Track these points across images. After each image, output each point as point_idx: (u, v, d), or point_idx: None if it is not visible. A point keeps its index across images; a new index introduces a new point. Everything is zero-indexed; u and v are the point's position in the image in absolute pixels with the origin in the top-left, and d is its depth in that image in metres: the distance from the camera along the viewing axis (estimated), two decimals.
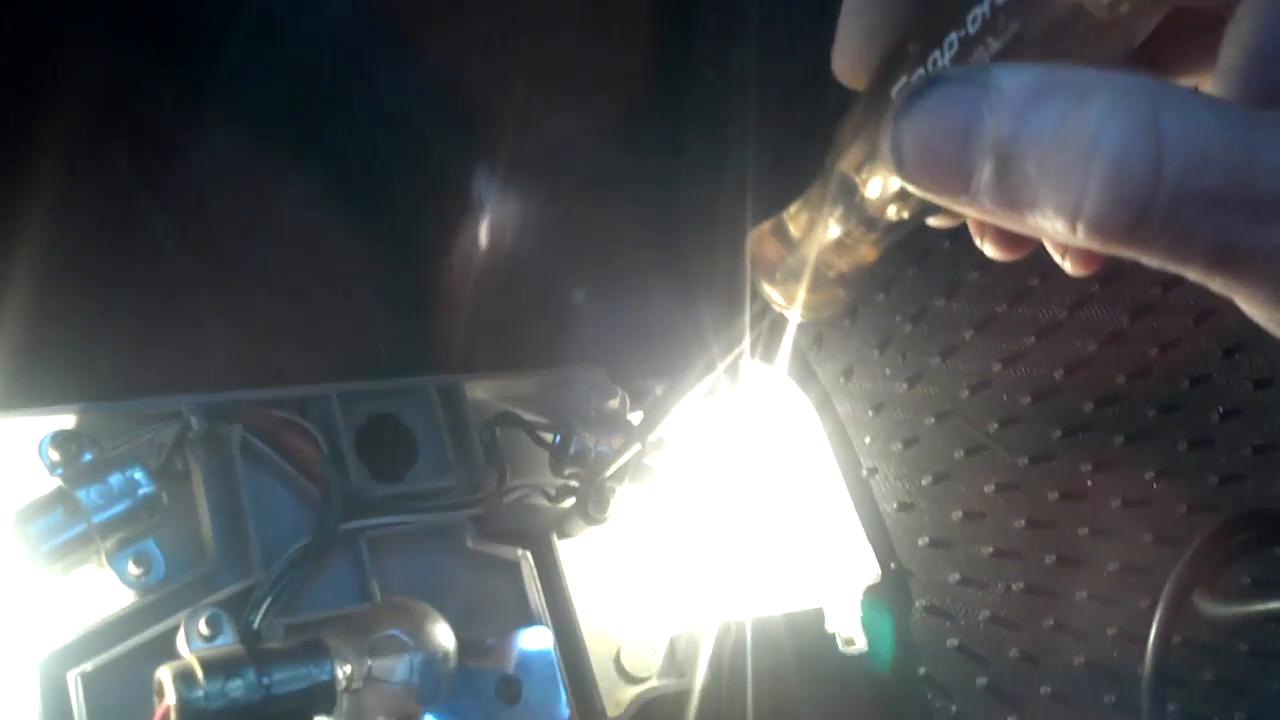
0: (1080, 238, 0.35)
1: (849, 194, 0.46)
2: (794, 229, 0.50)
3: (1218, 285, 0.35)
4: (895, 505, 0.90)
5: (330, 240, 0.85)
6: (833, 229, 0.48)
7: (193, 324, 0.80)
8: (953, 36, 0.39)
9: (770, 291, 0.52)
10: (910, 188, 0.38)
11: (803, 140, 0.92)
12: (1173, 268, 0.35)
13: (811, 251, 0.50)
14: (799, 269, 0.51)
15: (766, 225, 0.52)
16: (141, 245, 0.79)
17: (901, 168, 0.38)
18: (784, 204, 0.52)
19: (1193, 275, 0.35)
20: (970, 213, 0.38)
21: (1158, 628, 0.82)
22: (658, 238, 0.96)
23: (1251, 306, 0.36)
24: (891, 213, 0.45)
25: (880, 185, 0.44)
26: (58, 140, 0.75)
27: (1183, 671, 0.86)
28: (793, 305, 0.52)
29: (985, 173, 0.35)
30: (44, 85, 0.77)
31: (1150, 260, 0.35)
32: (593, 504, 0.78)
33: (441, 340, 0.86)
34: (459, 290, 0.88)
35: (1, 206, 0.73)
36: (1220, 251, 0.34)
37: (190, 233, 0.80)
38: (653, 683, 0.78)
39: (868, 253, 0.49)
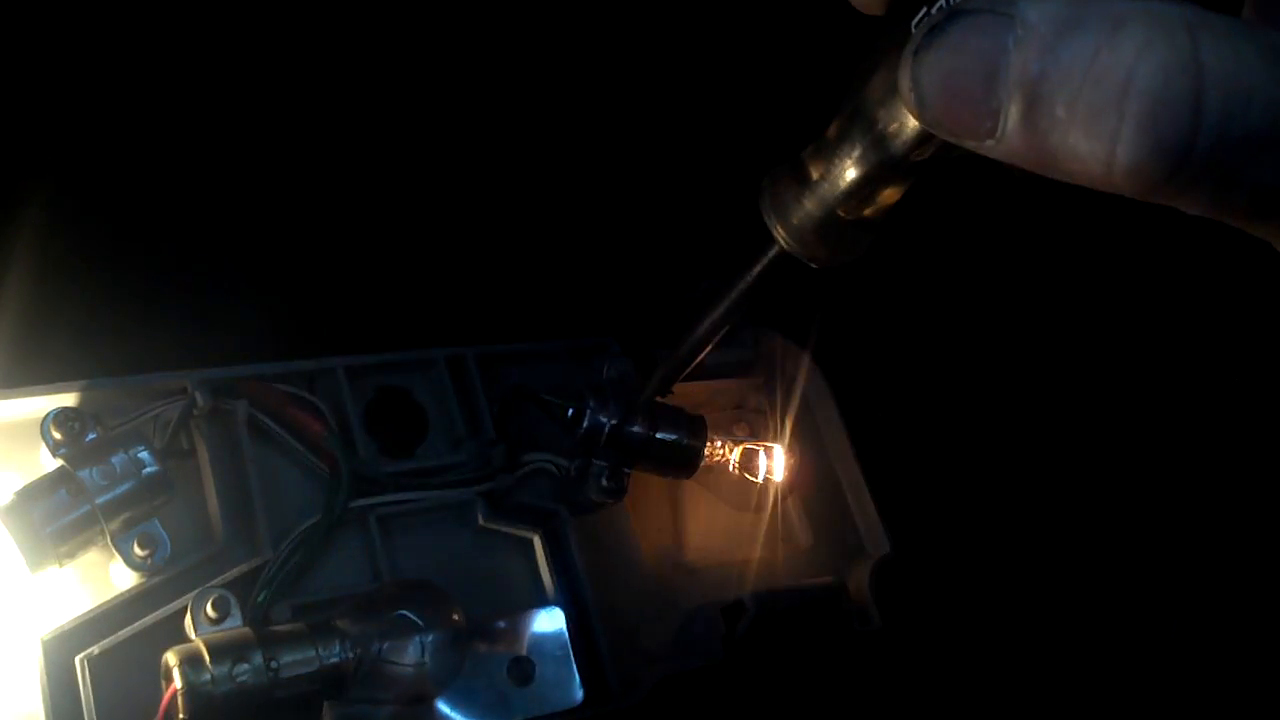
0: (1115, 185, 0.32)
1: (868, 133, 0.43)
2: (812, 170, 0.47)
3: (1259, 231, 0.33)
4: (909, 481, 0.89)
5: (336, 211, 0.83)
6: (852, 171, 0.45)
7: (197, 298, 0.78)
8: None
9: (787, 237, 0.49)
10: (932, 129, 0.36)
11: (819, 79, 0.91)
12: (1213, 215, 0.33)
13: (830, 194, 0.47)
14: (817, 213, 0.48)
15: (782, 166, 0.49)
16: (145, 221, 0.78)
17: (922, 109, 0.35)
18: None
19: (1233, 221, 0.33)
20: (997, 156, 0.35)
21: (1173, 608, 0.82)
22: (669, 203, 0.94)
23: None
24: (916, 151, 0.42)
25: (901, 123, 0.42)
26: (60, 117, 0.73)
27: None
28: (810, 251, 0.49)
29: (1012, 114, 0.33)
30: (48, 58, 0.76)
31: (1189, 208, 0.33)
32: (606, 479, 0.77)
33: (451, 311, 0.85)
34: (467, 261, 0.87)
35: (4, 182, 0.72)
36: (1265, 197, 0.32)
37: (194, 208, 0.79)
38: (668, 661, 0.77)
39: (890, 195, 0.46)
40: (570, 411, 0.78)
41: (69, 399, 0.68)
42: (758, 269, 0.54)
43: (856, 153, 0.44)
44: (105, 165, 0.77)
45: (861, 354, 0.92)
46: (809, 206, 0.48)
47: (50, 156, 0.73)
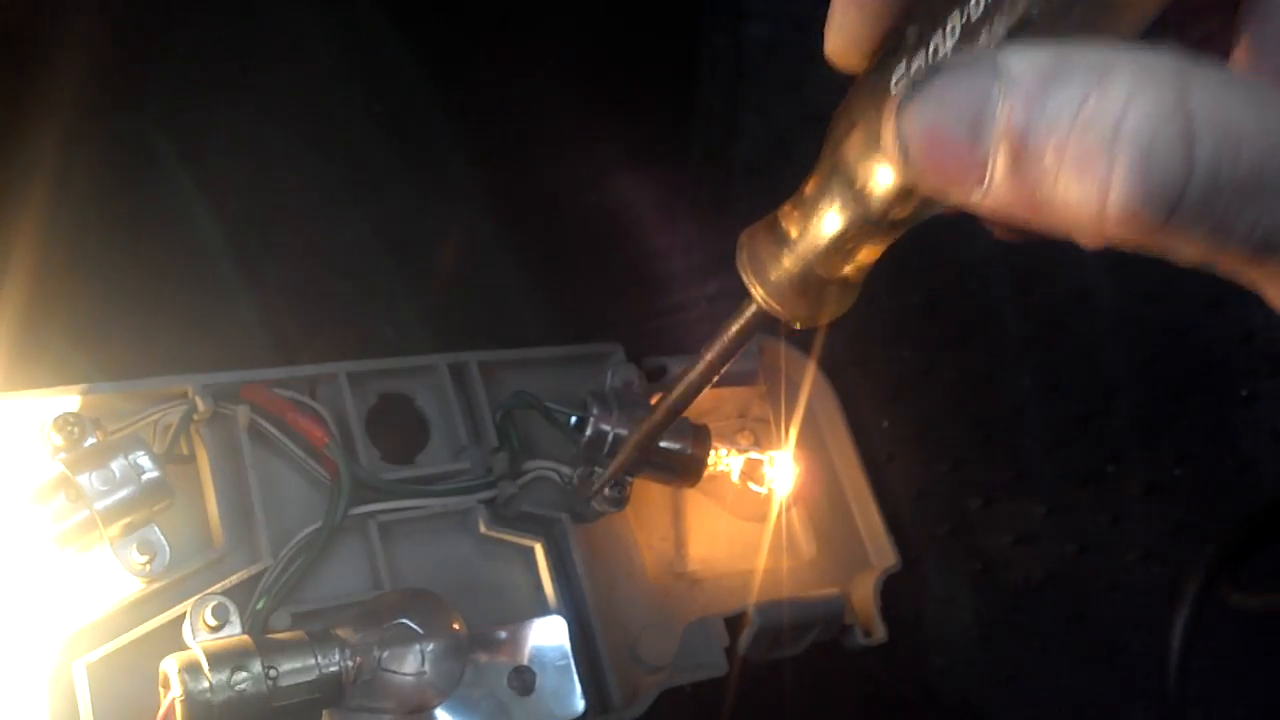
0: (1108, 232, 0.32)
1: (847, 189, 0.42)
2: (789, 228, 0.46)
3: (1250, 277, 0.33)
4: (914, 492, 0.89)
5: (340, 218, 0.83)
6: (831, 229, 0.44)
7: (198, 302, 0.78)
8: (954, 20, 0.36)
9: (766, 296, 0.48)
10: (918, 183, 0.36)
11: (809, 121, 0.91)
12: (1205, 261, 0.33)
13: (809, 252, 0.45)
14: (795, 272, 0.46)
15: (760, 224, 0.48)
16: (148, 224, 0.77)
17: (907, 162, 0.35)
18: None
19: (1225, 269, 0.33)
20: (984, 208, 0.35)
21: (1184, 622, 0.81)
22: (673, 213, 0.94)
23: None
24: (895, 209, 0.41)
25: (882, 179, 0.41)
26: (59, 117, 0.73)
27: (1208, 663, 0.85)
28: (790, 311, 0.48)
29: (999, 164, 0.33)
30: (44, 57, 0.75)
31: (1182, 255, 0.33)
32: (609, 488, 0.76)
33: (453, 318, 0.84)
34: (471, 267, 0.87)
35: (2, 182, 0.71)
36: (1259, 243, 0.32)
37: (196, 212, 0.78)
38: (669, 672, 0.76)
39: (870, 253, 0.45)
40: (574, 419, 0.77)
41: (68, 402, 0.68)
42: (737, 326, 0.53)
43: (835, 210, 0.43)
44: (106, 166, 0.76)
45: (868, 361, 0.91)
46: (787, 264, 0.47)
47: (50, 158, 0.73)
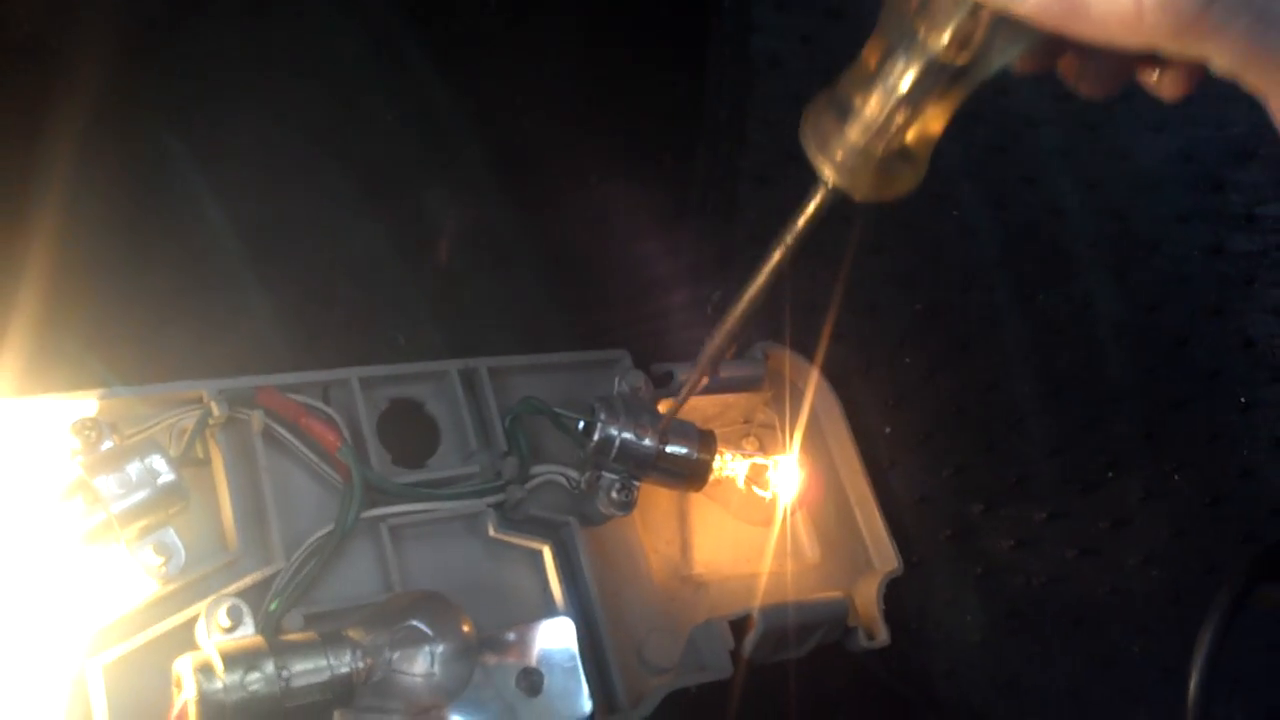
0: (1144, 31, 0.31)
1: (910, 38, 0.44)
2: (852, 96, 0.47)
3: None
4: (916, 497, 0.89)
5: (352, 223, 0.84)
6: (893, 85, 0.45)
7: (213, 308, 0.78)
8: None
9: (830, 171, 0.49)
10: None
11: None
12: (1240, 67, 0.31)
13: (873, 121, 0.47)
14: (860, 145, 0.48)
15: (821, 97, 0.49)
16: (163, 229, 0.78)
17: None
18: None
19: (1263, 69, 0.32)
20: (1026, 10, 0.35)
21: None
22: (678, 219, 0.95)
23: None
24: (957, 51, 0.43)
25: (940, 26, 0.42)
26: (75, 123, 0.74)
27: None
28: (854, 184, 0.49)
29: None
30: (60, 63, 0.76)
31: (1218, 60, 0.31)
32: (616, 491, 0.77)
33: (463, 323, 0.85)
34: (481, 273, 0.87)
35: (20, 187, 0.72)
36: None
37: (211, 216, 0.79)
38: (675, 674, 0.77)
39: (934, 118, 0.46)
40: (582, 424, 0.78)
41: (86, 406, 0.69)
42: (809, 209, 0.54)
43: (898, 65, 0.45)
44: (122, 171, 0.77)
45: (871, 368, 0.92)
46: (853, 137, 0.48)
47: (67, 163, 0.74)
